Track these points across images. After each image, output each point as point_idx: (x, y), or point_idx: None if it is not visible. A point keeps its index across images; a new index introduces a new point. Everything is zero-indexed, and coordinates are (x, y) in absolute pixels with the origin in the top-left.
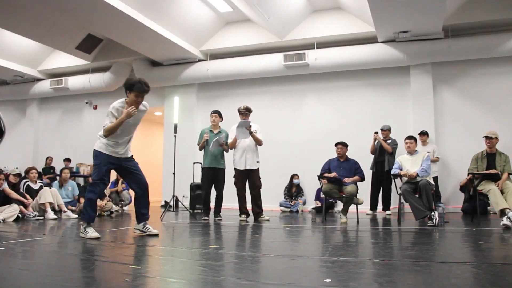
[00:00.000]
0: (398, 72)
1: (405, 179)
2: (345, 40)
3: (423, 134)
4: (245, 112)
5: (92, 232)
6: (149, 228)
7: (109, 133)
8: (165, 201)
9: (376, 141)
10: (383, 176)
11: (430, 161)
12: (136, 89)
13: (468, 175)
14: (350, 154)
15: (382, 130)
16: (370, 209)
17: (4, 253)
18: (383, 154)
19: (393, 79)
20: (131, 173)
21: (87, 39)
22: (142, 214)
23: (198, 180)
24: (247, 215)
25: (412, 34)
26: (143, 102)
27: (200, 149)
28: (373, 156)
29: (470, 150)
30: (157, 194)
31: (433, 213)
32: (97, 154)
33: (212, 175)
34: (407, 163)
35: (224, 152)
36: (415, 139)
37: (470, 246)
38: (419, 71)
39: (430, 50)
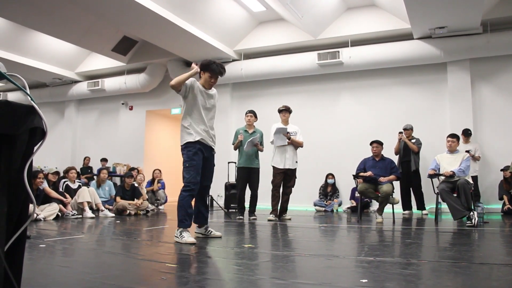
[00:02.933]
0: (435, 69)
1: (442, 178)
2: (379, 37)
3: (469, 135)
4: (284, 109)
5: (188, 237)
6: (211, 231)
7: (176, 82)
8: None
9: (401, 140)
10: (410, 176)
11: (472, 158)
12: (211, 69)
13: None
14: (385, 153)
15: (405, 129)
16: (403, 210)
17: (45, 250)
18: (408, 154)
19: (429, 76)
20: (209, 167)
21: (122, 41)
22: (205, 217)
23: (232, 180)
24: (276, 214)
25: (449, 29)
26: (215, 90)
27: (235, 149)
28: (397, 156)
29: (511, 149)
30: None
31: (472, 213)
32: (188, 146)
33: (247, 175)
34: (445, 161)
35: (259, 152)
36: (457, 137)
37: None
38: (457, 67)
39: (468, 45)
